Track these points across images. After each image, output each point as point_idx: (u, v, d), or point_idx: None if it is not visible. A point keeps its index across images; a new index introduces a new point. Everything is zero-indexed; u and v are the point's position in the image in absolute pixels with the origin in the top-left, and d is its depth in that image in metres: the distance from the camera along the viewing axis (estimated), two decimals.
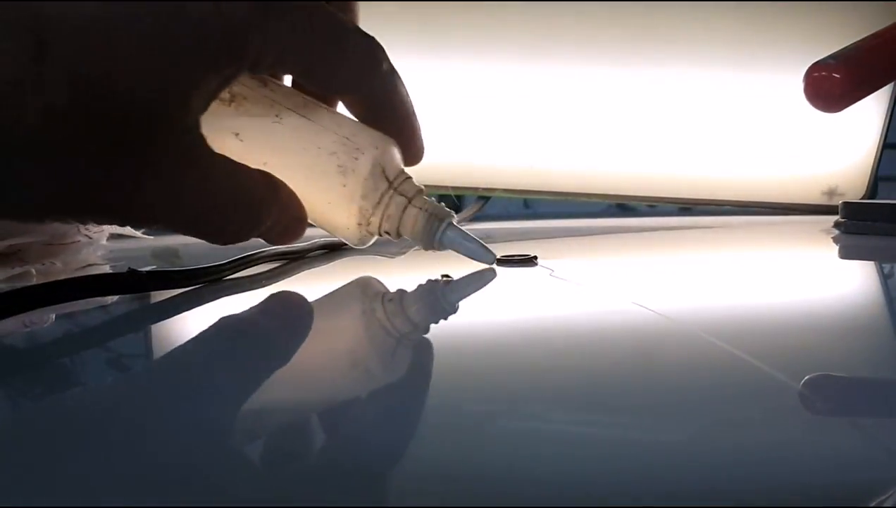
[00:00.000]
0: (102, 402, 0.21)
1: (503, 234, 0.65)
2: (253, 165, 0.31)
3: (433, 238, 0.36)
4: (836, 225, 0.57)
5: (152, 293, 0.34)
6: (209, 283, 0.36)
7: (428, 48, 0.72)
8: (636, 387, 0.21)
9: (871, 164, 0.76)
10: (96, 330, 0.31)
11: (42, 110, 0.24)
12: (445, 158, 0.71)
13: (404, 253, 0.48)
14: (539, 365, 0.23)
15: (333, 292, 0.36)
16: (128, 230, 0.49)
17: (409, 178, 0.35)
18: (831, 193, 0.76)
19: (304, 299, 0.34)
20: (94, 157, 0.25)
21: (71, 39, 0.24)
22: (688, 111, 0.75)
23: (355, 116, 0.34)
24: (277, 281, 0.38)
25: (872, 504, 0.14)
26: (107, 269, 0.44)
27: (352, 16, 0.34)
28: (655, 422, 0.18)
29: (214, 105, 0.28)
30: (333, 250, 0.48)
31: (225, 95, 0.32)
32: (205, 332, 0.28)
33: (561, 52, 0.74)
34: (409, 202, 0.35)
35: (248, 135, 0.33)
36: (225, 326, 0.29)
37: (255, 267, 0.40)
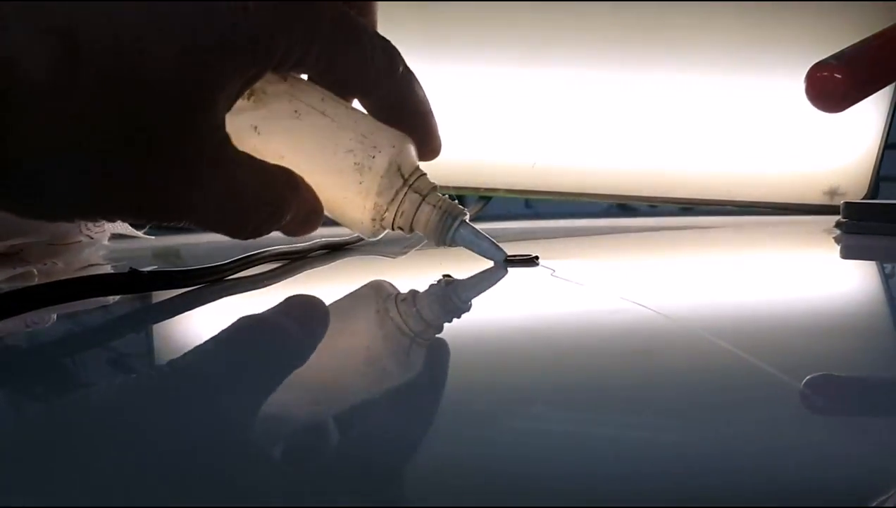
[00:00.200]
0: (103, 402, 0.21)
1: (505, 234, 0.65)
2: (270, 158, 0.32)
3: (446, 235, 0.36)
4: (838, 225, 0.57)
5: (154, 293, 0.34)
6: (210, 283, 0.36)
7: (429, 49, 0.72)
8: (637, 387, 0.21)
9: (873, 164, 0.76)
10: (98, 330, 0.31)
11: (75, 113, 0.24)
12: (446, 159, 0.71)
13: (406, 253, 0.48)
14: (539, 365, 0.23)
15: (338, 290, 0.36)
16: (129, 231, 0.49)
17: (424, 175, 0.36)
18: (832, 193, 0.76)
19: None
20: (124, 158, 0.26)
21: (103, 43, 0.24)
22: (689, 111, 0.75)
23: (373, 116, 0.35)
24: (279, 281, 0.38)
25: (873, 505, 0.14)
26: (108, 269, 0.44)
27: (371, 20, 0.34)
28: (656, 422, 0.18)
29: None
30: (335, 250, 0.48)
31: None
32: (205, 332, 0.28)
33: (562, 53, 0.74)
34: (423, 199, 0.35)
35: (267, 129, 0.33)
36: (226, 326, 0.29)
37: (256, 267, 0.40)
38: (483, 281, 0.36)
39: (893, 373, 0.23)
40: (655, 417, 0.18)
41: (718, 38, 0.74)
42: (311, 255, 0.46)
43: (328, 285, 0.41)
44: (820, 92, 0.45)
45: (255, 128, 0.33)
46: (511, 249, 0.39)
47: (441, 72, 0.71)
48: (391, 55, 0.33)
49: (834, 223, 0.58)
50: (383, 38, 0.33)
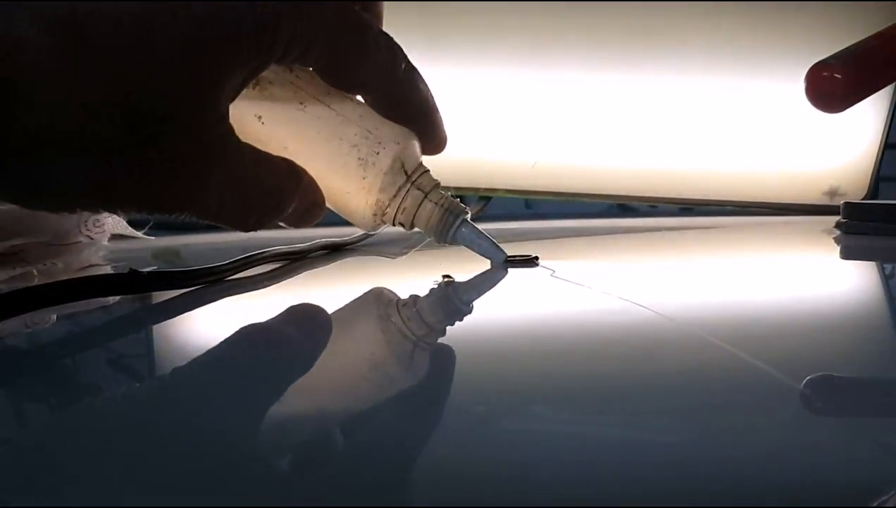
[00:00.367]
0: (103, 403, 0.21)
1: (505, 234, 0.65)
2: (273, 149, 0.32)
3: (446, 234, 0.36)
4: (838, 225, 0.57)
5: (153, 294, 0.34)
6: (210, 283, 0.36)
7: (429, 49, 0.72)
8: (637, 388, 0.21)
9: (873, 164, 0.76)
10: (97, 331, 0.31)
11: (77, 104, 0.24)
12: (446, 158, 0.71)
13: (406, 253, 0.48)
14: (540, 366, 0.23)
15: (338, 290, 0.36)
16: (129, 231, 0.49)
17: (427, 171, 0.36)
18: (832, 193, 0.76)
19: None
20: (126, 148, 0.26)
21: (107, 36, 0.24)
22: (689, 112, 0.75)
23: (376, 112, 0.35)
24: (279, 282, 0.38)
25: (873, 505, 0.14)
26: (108, 269, 0.44)
27: (376, 17, 0.34)
28: (656, 422, 0.18)
29: None
30: (335, 251, 0.48)
31: None
32: (205, 333, 0.28)
33: (562, 54, 0.74)
34: (426, 197, 0.35)
35: (271, 119, 0.33)
36: (226, 326, 0.29)
37: (256, 268, 0.40)
38: (483, 282, 0.36)
39: (893, 373, 0.23)
40: (655, 417, 0.18)
41: (718, 38, 0.74)
42: (311, 255, 0.46)
43: (328, 285, 0.41)
44: (820, 92, 0.45)
45: (259, 118, 0.33)
46: (511, 249, 0.39)
47: (441, 72, 0.71)
48: (394, 51, 0.33)
49: (834, 224, 0.58)
50: (387, 35, 0.33)
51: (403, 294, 0.34)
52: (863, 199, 0.76)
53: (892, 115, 0.76)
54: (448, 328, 0.28)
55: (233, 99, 0.29)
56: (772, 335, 0.26)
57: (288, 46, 0.29)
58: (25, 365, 0.25)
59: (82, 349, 0.28)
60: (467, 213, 0.37)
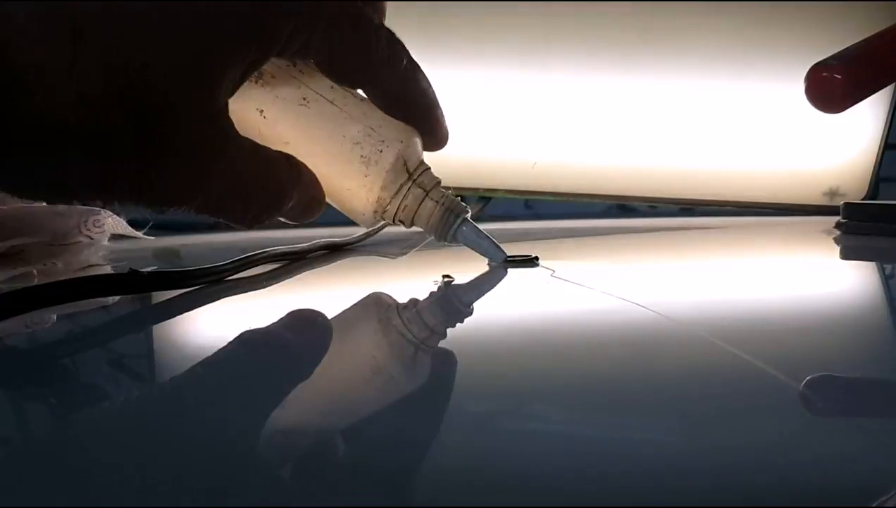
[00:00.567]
0: (103, 403, 0.21)
1: (504, 235, 0.65)
2: (274, 143, 0.31)
3: (447, 232, 0.36)
4: (838, 226, 0.57)
5: (153, 294, 0.34)
6: (210, 283, 0.36)
7: (429, 49, 0.72)
8: (637, 388, 0.21)
9: (872, 164, 0.76)
10: (97, 331, 0.31)
11: (75, 96, 0.24)
12: (447, 158, 0.71)
13: (406, 254, 0.48)
14: (540, 366, 0.23)
15: (339, 291, 0.36)
16: (129, 231, 0.49)
17: (428, 169, 0.36)
18: (832, 193, 0.76)
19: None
20: (124, 142, 0.26)
21: (106, 28, 0.24)
22: (689, 112, 0.75)
23: (377, 106, 0.34)
24: (279, 282, 0.38)
25: (874, 505, 0.14)
26: (108, 269, 0.44)
27: (379, 13, 0.34)
28: (656, 422, 0.18)
29: None
30: (335, 251, 0.48)
31: None
32: (205, 333, 0.28)
33: (562, 54, 0.74)
34: (427, 195, 0.35)
35: (273, 113, 0.33)
36: (226, 326, 0.29)
37: (256, 268, 0.40)
38: (483, 282, 0.36)
39: (893, 373, 0.23)
40: (655, 417, 0.18)
41: (718, 39, 0.74)
42: (310, 255, 0.46)
43: (328, 285, 0.41)
44: (820, 92, 0.45)
45: (261, 112, 0.33)
46: (511, 249, 0.39)
47: (441, 72, 0.71)
48: (396, 46, 0.33)
49: (834, 224, 0.58)
50: (389, 30, 0.33)
51: (404, 294, 0.34)
52: (863, 199, 0.76)
53: (893, 115, 0.76)
54: (449, 329, 0.28)
55: (233, 92, 0.28)
56: (772, 335, 0.26)
57: (288, 41, 0.28)
58: (25, 365, 0.25)
59: (82, 349, 0.28)
60: (468, 212, 0.37)
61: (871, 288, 0.39)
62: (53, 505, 0.14)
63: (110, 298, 0.33)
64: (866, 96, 0.47)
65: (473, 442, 0.17)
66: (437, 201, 0.35)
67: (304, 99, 0.33)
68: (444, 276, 0.36)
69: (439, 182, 0.36)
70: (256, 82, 0.32)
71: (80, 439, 0.18)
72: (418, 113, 0.35)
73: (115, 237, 0.49)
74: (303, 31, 0.29)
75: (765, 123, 0.75)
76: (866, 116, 0.76)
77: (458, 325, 0.28)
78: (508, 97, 0.74)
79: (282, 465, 0.16)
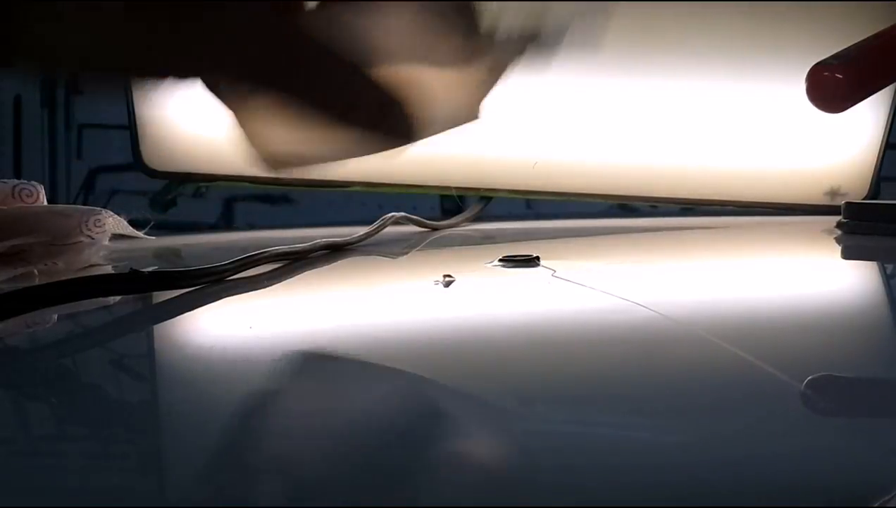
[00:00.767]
0: (103, 403, 0.21)
1: (505, 234, 0.65)
2: None
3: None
4: (839, 225, 0.57)
5: (154, 293, 0.34)
6: (210, 283, 0.36)
7: None
8: (638, 388, 0.21)
9: (874, 164, 0.76)
10: (97, 331, 0.31)
11: None
12: (447, 158, 0.71)
13: (406, 253, 0.48)
14: (540, 366, 0.23)
15: (339, 291, 0.36)
16: (129, 231, 0.49)
17: None
18: (833, 193, 0.76)
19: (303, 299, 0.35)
20: None
21: None
22: (689, 112, 0.75)
23: None
24: (280, 281, 0.38)
25: (873, 505, 0.14)
26: (109, 269, 0.44)
27: None
28: (657, 422, 0.18)
29: None
30: (335, 251, 0.48)
31: None
32: (205, 333, 0.28)
33: (562, 53, 0.74)
34: None
35: None
36: (226, 326, 0.29)
37: (256, 267, 0.40)
38: (484, 281, 0.36)
39: (893, 373, 0.23)
40: (655, 417, 0.18)
41: (719, 38, 0.74)
42: (311, 255, 0.45)
43: (328, 285, 0.41)
44: (821, 92, 0.45)
45: None
46: (512, 249, 0.39)
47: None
48: None
49: (835, 224, 0.58)
50: None
51: (404, 294, 0.34)
52: (864, 199, 0.76)
53: (893, 115, 0.76)
54: (449, 328, 0.28)
55: None
56: (773, 334, 0.26)
57: None
58: (25, 365, 0.25)
59: (82, 349, 0.28)
60: None
61: (872, 288, 0.39)
62: (53, 505, 0.14)
63: (111, 298, 0.33)
64: (867, 96, 0.47)
65: (473, 442, 0.17)
66: None
67: None
68: (445, 275, 0.36)
69: None
70: None
71: (80, 439, 0.18)
72: None
73: (116, 237, 0.49)
74: None
75: (766, 123, 0.75)
76: (867, 116, 0.76)
77: (457, 324, 0.28)
78: (509, 96, 0.74)
79: (280, 466, 0.16)
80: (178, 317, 0.32)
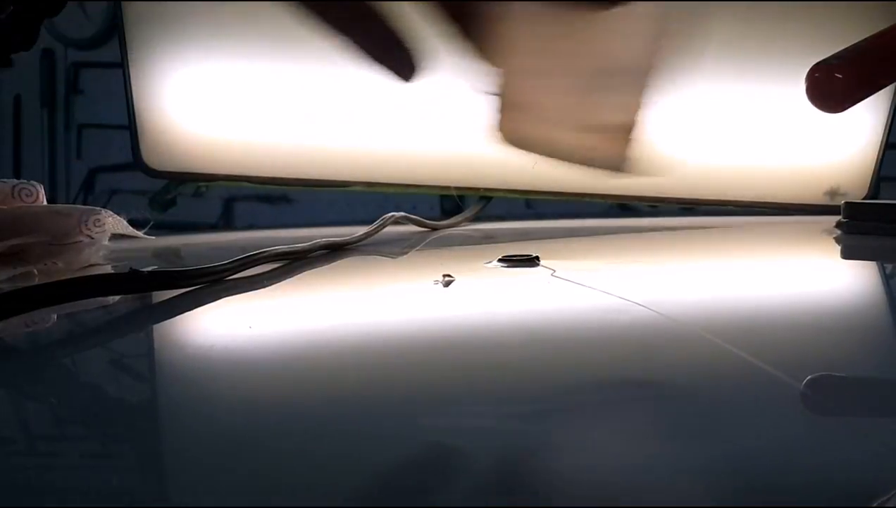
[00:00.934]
0: (103, 403, 0.21)
1: (505, 234, 0.65)
2: None
3: None
4: (838, 225, 0.57)
5: (154, 293, 0.34)
6: (210, 283, 0.36)
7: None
8: (637, 387, 0.21)
9: (873, 164, 0.76)
10: (97, 331, 0.31)
11: None
12: (447, 158, 0.71)
13: (406, 253, 0.48)
14: (540, 366, 0.23)
15: (339, 291, 0.36)
16: (129, 230, 0.49)
17: None
18: (833, 193, 0.76)
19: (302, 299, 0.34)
20: None
21: None
22: (690, 112, 0.75)
23: None
24: (279, 281, 0.38)
25: (873, 505, 0.14)
26: (108, 269, 0.44)
27: None
28: (657, 422, 0.18)
29: None
30: (335, 251, 0.48)
31: None
32: (205, 332, 0.28)
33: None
34: None
35: None
36: (226, 326, 0.29)
37: (256, 267, 0.40)
38: (484, 281, 0.36)
39: (893, 373, 0.23)
40: (655, 417, 0.18)
41: (719, 38, 0.74)
42: (311, 255, 0.45)
43: (328, 285, 0.41)
44: (820, 92, 0.45)
45: None
46: (511, 249, 0.39)
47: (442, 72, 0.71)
48: None
49: (834, 224, 0.58)
50: None
51: (403, 293, 0.34)
52: (863, 199, 0.76)
53: (893, 115, 0.76)
54: (448, 328, 0.28)
55: None
56: (772, 334, 0.26)
57: None
58: (25, 365, 0.25)
59: (82, 349, 0.28)
60: None
61: (872, 288, 0.39)
62: (53, 505, 0.14)
63: (111, 298, 0.33)
64: (867, 96, 0.47)
65: (473, 441, 0.17)
66: None
67: None
68: (445, 275, 0.36)
69: None
70: None
71: (80, 439, 0.18)
72: None
73: (116, 237, 0.49)
74: None
75: (766, 123, 0.75)
76: (867, 116, 0.76)
77: (457, 324, 0.28)
78: None
79: (280, 465, 0.16)
80: (178, 317, 0.32)
